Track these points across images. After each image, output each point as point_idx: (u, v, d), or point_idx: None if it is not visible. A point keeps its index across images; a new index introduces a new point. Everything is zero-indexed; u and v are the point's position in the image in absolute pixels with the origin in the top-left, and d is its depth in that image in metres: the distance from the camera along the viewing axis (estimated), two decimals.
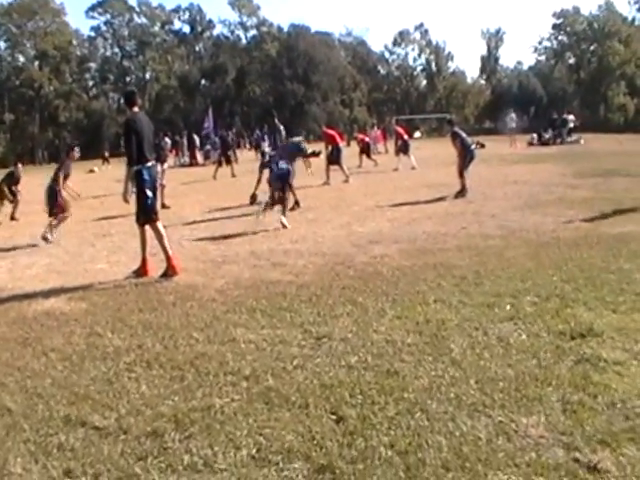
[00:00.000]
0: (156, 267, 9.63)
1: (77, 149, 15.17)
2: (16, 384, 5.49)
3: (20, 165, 19.84)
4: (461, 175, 16.79)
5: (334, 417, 4.47)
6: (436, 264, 8.83)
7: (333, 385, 4.97)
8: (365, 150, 31.30)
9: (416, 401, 4.61)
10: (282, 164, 14.04)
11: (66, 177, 14.44)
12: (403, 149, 28.91)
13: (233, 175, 29.13)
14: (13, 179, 19.09)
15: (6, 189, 18.67)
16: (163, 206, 17.52)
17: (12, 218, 18.26)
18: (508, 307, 6.67)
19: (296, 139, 16.50)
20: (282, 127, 16.33)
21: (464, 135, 17.52)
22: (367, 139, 33.09)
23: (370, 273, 8.59)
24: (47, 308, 7.95)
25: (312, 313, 6.88)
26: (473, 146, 17.82)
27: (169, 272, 9.31)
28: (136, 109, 9.73)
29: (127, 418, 4.66)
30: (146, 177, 9.33)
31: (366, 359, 5.46)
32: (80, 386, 5.33)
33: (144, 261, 9.60)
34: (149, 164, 9.41)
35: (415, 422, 4.31)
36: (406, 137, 29.71)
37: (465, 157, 17.06)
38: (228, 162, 30.56)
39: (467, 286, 7.59)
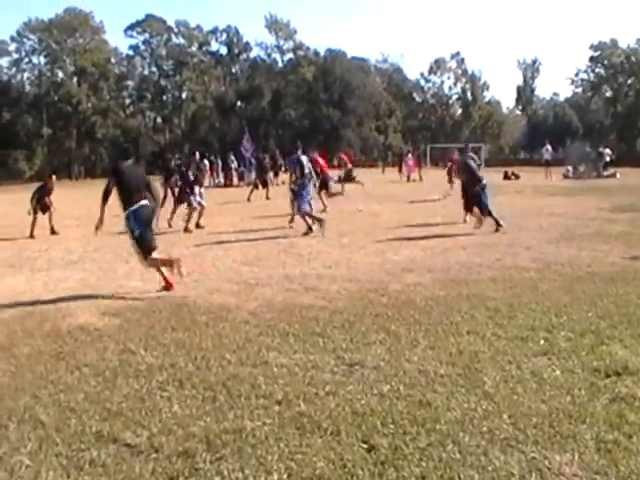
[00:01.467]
0: (189, 286, 9.75)
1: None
2: (49, 397, 5.54)
3: (54, 177, 19.84)
4: (469, 210, 16.53)
5: (365, 445, 4.45)
6: (470, 295, 8.79)
7: (365, 413, 4.95)
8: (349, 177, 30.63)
9: (448, 433, 4.58)
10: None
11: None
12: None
13: (267, 197, 29.36)
14: (45, 190, 19.06)
15: (35, 201, 18.67)
16: (197, 226, 17.73)
17: (52, 232, 18.33)
18: (542, 341, 6.61)
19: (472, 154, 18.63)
20: (305, 158, 16.20)
21: (474, 166, 17.17)
22: (350, 165, 32.41)
23: (403, 301, 8.56)
24: (81, 323, 8.03)
25: (345, 339, 6.87)
26: (484, 181, 16.75)
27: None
28: (127, 162, 10.48)
29: (159, 437, 4.68)
30: (134, 218, 9.92)
31: (398, 388, 5.44)
32: (112, 402, 5.36)
33: (164, 278, 9.99)
34: (136, 206, 9.92)
35: (447, 455, 4.28)
36: None
37: (473, 191, 16.44)
38: (264, 185, 30.79)
39: (501, 318, 7.53)
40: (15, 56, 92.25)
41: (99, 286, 10.43)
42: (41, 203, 18.77)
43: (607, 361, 5.90)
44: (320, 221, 16.17)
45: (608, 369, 5.70)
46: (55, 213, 18.98)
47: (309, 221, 16.38)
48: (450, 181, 28.66)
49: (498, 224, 15.83)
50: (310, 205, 16.70)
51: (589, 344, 6.45)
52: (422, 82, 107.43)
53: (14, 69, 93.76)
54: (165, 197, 26.01)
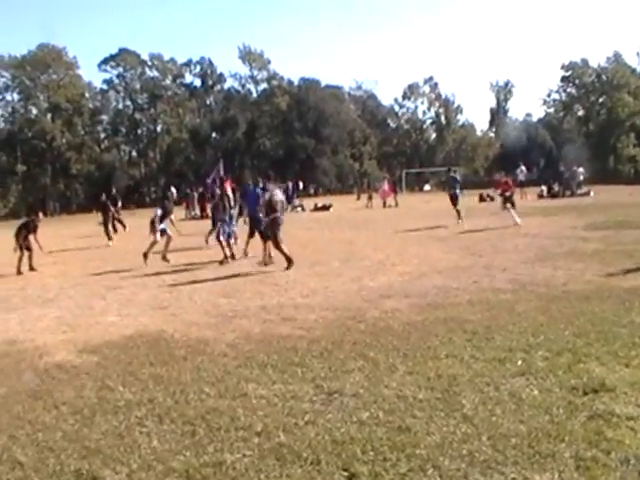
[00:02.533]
0: (166, 320, 9.77)
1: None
2: (27, 437, 5.50)
3: (41, 215, 19.41)
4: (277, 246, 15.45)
5: (346, 474, 4.45)
6: (447, 319, 8.81)
7: (345, 441, 4.95)
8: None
9: (428, 458, 4.59)
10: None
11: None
12: (511, 200, 24.52)
13: None
14: (31, 227, 18.48)
15: (21, 238, 18.13)
16: (164, 258, 17.44)
17: (31, 268, 17.98)
18: (520, 362, 6.64)
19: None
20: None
21: (277, 192, 16.25)
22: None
23: (381, 328, 8.58)
24: (58, 361, 7.98)
25: (323, 368, 6.87)
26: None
27: None
28: None
29: (138, 473, 4.66)
30: None
31: (377, 415, 5.44)
32: (91, 440, 5.33)
33: None
34: None
35: (427, 479, 4.28)
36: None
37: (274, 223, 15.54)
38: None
39: (478, 341, 7.57)
40: None
41: (76, 323, 10.36)
42: (26, 240, 18.24)
43: (584, 379, 5.95)
44: (226, 258, 17.04)
45: (585, 387, 5.75)
46: (35, 251, 18.53)
47: (226, 250, 17.14)
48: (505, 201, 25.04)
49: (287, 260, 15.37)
50: (229, 236, 17.59)
51: (566, 363, 6.50)
52: (396, 108, 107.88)
53: None
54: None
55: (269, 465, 4.65)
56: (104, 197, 29.76)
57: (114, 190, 32.77)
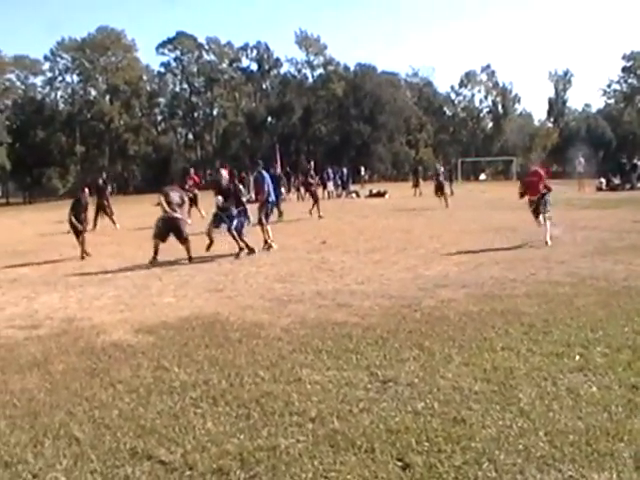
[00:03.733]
0: (221, 303, 9.83)
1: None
2: (84, 414, 5.59)
3: (87, 191, 18.96)
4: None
5: (400, 463, 4.43)
6: (504, 310, 8.70)
7: (399, 430, 4.92)
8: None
9: (484, 451, 4.54)
10: None
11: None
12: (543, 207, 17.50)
13: (310, 213, 27.50)
14: (81, 206, 18.03)
15: (74, 218, 17.57)
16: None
17: (85, 253, 17.19)
18: (578, 357, 6.53)
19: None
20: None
21: (170, 194, 15.75)
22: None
23: (437, 317, 8.50)
24: (115, 340, 8.10)
25: (378, 356, 6.84)
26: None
27: None
28: None
29: (193, 454, 4.70)
30: None
31: (433, 405, 5.40)
32: (147, 419, 5.40)
33: None
34: None
35: (483, 473, 4.24)
36: None
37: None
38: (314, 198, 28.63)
39: (536, 334, 7.45)
40: (49, 75, 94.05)
41: (133, 303, 10.50)
42: (80, 220, 17.68)
43: None
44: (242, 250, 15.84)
45: None
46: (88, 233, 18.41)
47: (240, 243, 15.84)
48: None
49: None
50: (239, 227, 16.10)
51: (626, 360, 6.36)
52: (453, 95, 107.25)
53: (48, 88, 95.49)
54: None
55: (323, 452, 4.65)
56: (101, 181, 28.64)
57: (100, 179, 29.27)
